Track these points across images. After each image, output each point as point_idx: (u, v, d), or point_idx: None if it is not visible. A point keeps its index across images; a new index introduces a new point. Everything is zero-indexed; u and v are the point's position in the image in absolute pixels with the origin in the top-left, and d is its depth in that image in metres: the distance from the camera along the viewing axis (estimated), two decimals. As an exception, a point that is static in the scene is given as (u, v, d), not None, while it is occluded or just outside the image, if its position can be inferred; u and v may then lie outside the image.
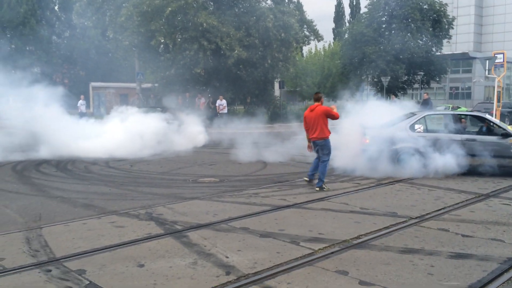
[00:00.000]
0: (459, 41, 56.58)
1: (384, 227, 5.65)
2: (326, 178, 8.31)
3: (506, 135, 9.18)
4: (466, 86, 47.14)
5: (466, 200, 7.10)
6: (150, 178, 9.29)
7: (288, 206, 6.74)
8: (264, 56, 24.75)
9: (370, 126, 9.67)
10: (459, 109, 30.13)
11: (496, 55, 18.31)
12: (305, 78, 44.74)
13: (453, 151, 9.02)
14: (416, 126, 9.54)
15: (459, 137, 9.29)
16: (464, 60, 50.10)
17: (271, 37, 23.56)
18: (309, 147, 8.45)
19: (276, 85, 32.84)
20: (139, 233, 5.35)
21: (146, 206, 6.73)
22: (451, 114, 10.23)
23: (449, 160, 8.95)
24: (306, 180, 8.52)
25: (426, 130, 9.62)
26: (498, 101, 18.73)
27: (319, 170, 8.11)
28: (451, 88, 48.66)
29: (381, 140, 9.32)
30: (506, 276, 4.11)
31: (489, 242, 5.05)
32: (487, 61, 17.85)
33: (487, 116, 9.90)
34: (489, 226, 5.70)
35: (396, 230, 5.56)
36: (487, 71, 17.89)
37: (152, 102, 24.43)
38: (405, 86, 39.43)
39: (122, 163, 11.15)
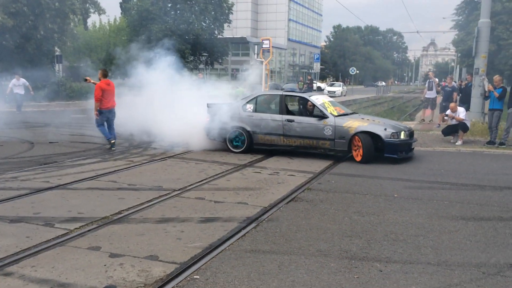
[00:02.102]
0: (239, 26, 61.21)
1: (147, 201, 5.88)
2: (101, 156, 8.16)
3: (321, 117, 9.04)
4: (245, 69, 51.62)
5: (226, 171, 7.91)
6: None
7: (50, 188, 6.38)
8: (35, 26, 22.29)
9: (212, 104, 9.98)
10: (237, 90, 32.84)
11: (263, 41, 20.48)
12: (90, 53, 42.14)
13: (275, 131, 9.24)
14: (248, 106, 9.66)
15: (279, 117, 9.29)
16: (243, 44, 54.61)
17: (43, 5, 21.35)
18: (97, 114, 9.75)
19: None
20: None
21: None
22: (280, 95, 9.69)
23: (272, 139, 9.32)
24: (111, 143, 9.80)
25: (255, 110, 9.61)
26: (266, 82, 21.15)
27: (112, 133, 9.95)
28: (232, 69, 52.58)
29: (218, 119, 9.64)
30: (242, 232, 4.78)
31: (235, 206, 5.77)
32: (256, 46, 19.88)
33: (309, 98, 9.55)
34: (239, 191, 6.50)
35: (157, 202, 5.85)
36: (256, 55, 19.92)
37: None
38: (191, 67, 40.94)
39: None
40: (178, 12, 37.27)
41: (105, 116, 9.82)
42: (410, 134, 9.12)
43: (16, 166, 7.93)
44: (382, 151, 8.68)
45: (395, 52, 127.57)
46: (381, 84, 72.85)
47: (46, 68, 26.02)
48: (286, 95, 9.78)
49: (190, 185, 6.78)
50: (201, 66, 41.68)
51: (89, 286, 3.47)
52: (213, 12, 38.59)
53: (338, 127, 8.84)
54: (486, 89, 11.78)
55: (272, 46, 26.24)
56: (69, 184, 6.69)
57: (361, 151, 8.61)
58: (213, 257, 4.10)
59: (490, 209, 5.72)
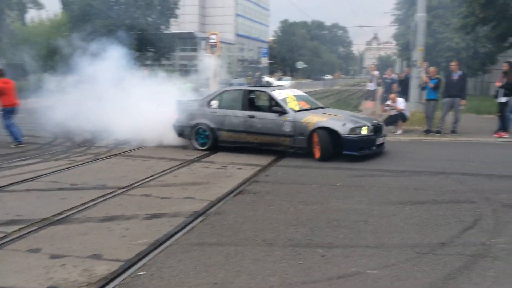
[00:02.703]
0: (187, 21, 60.47)
1: (91, 200, 5.75)
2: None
3: (281, 112, 8.61)
4: (193, 64, 51.17)
5: (174, 167, 7.85)
6: None
7: (-15, 192, 6.09)
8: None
9: (181, 100, 9.82)
10: (186, 85, 32.53)
11: (210, 36, 20.39)
12: (28, 50, 40.23)
13: (238, 128, 8.94)
14: (212, 102, 9.40)
15: (241, 113, 8.97)
16: (191, 39, 54.06)
17: (-24, 0, 20.17)
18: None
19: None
20: None
21: None
22: (244, 90, 9.59)
23: (235, 136, 9.01)
24: (20, 146, 9.74)
25: (219, 106, 9.33)
26: (214, 77, 21.08)
27: (16, 131, 9.87)
28: (180, 65, 51.97)
29: (185, 115, 9.50)
30: (189, 227, 4.79)
31: (182, 201, 5.76)
32: (203, 41, 19.76)
33: (271, 92, 9.15)
34: (186, 186, 6.48)
35: (102, 201, 5.73)
36: (203, 50, 19.80)
37: None
38: (138, 63, 40.03)
39: None
40: (122, 6, 36.30)
41: (9, 114, 9.79)
42: (376, 129, 8.51)
43: None
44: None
45: (340, 47, 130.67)
46: (327, 77, 74.56)
47: (-20, 66, 24.58)
48: (250, 90, 9.58)
49: (136, 183, 6.68)
50: (148, 62, 40.91)
51: (28, 289, 3.38)
52: (159, 7, 37.92)
53: (297, 123, 8.34)
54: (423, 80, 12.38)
55: (220, 41, 26.21)
56: (7, 186, 6.41)
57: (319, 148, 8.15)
58: (159, 252, 4.09)
59: (425, 193, 6.04)
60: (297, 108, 8.78)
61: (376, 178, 6.92)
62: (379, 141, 8.62)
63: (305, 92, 10.85)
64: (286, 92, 9.50)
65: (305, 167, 7.74)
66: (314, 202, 5.65)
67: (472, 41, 23.59)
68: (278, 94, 9.06)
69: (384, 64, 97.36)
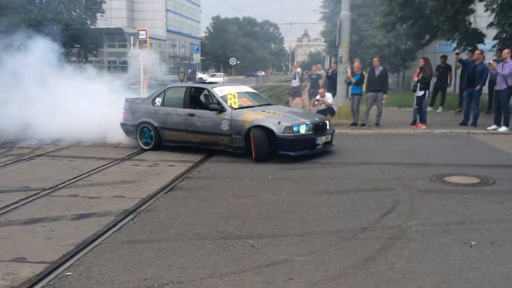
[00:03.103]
0: (114, 16, 58.44)
1: (13, 203, 5.48)
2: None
3: (220, 110, 8.24)
4: (122, 60, 49.64)
5: (103, 166, 7.65)
6: None
7: None
8: None
9: (128, 98, 9.58)
10: (113, 82, 31.55)
11: (139, 31, 19.89)
12: None
13: (179, 126, 8.66)
14: (157, 100, 9.09)
15: (182, 111, 8.67)
16: (120, 35, 52.34)
17: None
18: None
19: None
20: None
21: None
22: (186, 87, 9.22)
23: (177, 135, 8.74)
24: None
25: (163, 104, 9.01)
26: (145, 74, 20.63)
27: None
28: (109, 62, 50.19)
29: (131, 114, 9.20)
30: (119, 225, 4.72)
31: (112, 200, 5.65)
32: (132, 36, 19.27)
33: (211, 89, 8.87)
34: (116, 185, 6.35)
35: (25, 203, 5.48)
36: (132, 46, 19.32)
37: None
38: (63, 59, 38.16)
39: None
40: (43, 0, 34.37)
41: None
42: (317, 127, 8.07)
43: None
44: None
45: (272, 43, 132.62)
46: (260, 74, 75.41)
47: None
48: (192, 87, 9.19)
49: (62, 183, 6.45)
50: (74, 58, 39.10)
51: None
52: (83, 1, 36.33)
53: (234, 121, 8.01)
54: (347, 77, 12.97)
55: (150, 37, 25.62)
56: None
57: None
58: (87, 252, 4.01)
59: (350, 182, 6.38)
60: (236, 106, 8.35)
61: (304, 170, 7.18)
62: (323, 139, 8.12)
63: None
64: (229, 88, 9.00)
65: (237, 162, 7.84)
66: (245, 195, 5.78)
67: (393, 38, 24.92)
68: (218, 91, 8.71)
69: (314, 60, 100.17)
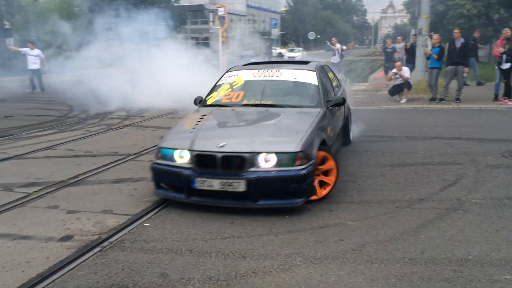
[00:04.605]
0: (197, -7, 59.98)
1: (103, 165, 6.24)
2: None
3: None
4: (204, 37, 51.15)
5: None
6: None
7: (7, 159, 6.63)
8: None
9: None
10: (198, 58, 32.79)
11: (218, 8, 20.51)
12: (42, 27, 40.64)
13: None
14: None
15: None
16: (201, 12, 53.85)
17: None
18: None
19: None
20: None
21: None
22: None
23: None
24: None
25: None
26: (224, 50, 21.28)
27: None
28: (192, 38, 51.94)
29: None
30: (191, 187, 5.22)
31: (187, 165, 6.19)
32: (211, 13, 19.92)
33: None
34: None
35: (113, 166, 6.22)
36: (212, 22, 19.99)
37: None
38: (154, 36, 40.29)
39: None
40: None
41: None
42: (207, 159, 4.34)
43: (-28, 140, 8.05)
44: None
45: (354, 16, 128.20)
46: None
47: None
48: None
49: (144, 150, 7.15)
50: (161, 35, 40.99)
51: (47, 237, 3.88)
52: (168, -21, 37.83)
53: None
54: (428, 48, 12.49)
55: (230, 13, 26.23)
56: (26, 154, 6.93)
57: None
58: (162, 208, 4.56)
59: (415, 156, 6.39)
60: (211, 102, 5.85)
61: (371, 144, 7.26)
62: (213, 184, 4.27)
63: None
64: (241, 75, 6.11)
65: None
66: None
67: (484, 7, 23.23)
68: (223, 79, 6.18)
69: (399, 33, 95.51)
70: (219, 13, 19.92)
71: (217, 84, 6.11)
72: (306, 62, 6.52)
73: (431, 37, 12.63)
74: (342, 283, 3.06)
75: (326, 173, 4.67)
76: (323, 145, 4.70)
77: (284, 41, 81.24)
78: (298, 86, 5.86)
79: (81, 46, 16.30)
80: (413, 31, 40.88)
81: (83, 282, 3.14)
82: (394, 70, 12.19)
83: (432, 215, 4.20)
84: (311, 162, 4.34)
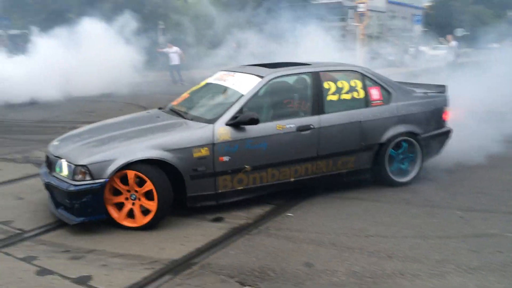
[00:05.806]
0: (336, -10, 59.54)
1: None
2: None
3: None
4: (341, 34, 50.65)
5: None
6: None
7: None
8: (140, 0, 24.13)
9: None
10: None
11: (358, 4, 20.15)
12: (192, 27, 43.91)
13: None
14: None
15: None
16: (338, 9, 53.36)
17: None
18: None
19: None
20: (17, 174, 5.61)
21: (22, 151, 6.85)
22: None
23: None
24: None
25: None
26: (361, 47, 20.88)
27: None
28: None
29: None
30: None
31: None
32: (350, 10, 19.67)
33: None
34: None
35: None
36: (349, 19, 19.75)
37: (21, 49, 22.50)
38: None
39: None
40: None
41: None
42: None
43: None
44: None
45: (508, 11, 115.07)
46: (494, 46, 66.61)
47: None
48: None
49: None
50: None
51: (201, 217, 4.23)
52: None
53: None
54: None
55: (369, 10, 25.54)
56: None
57: None
58: (304, 200, 4.66)
59: None
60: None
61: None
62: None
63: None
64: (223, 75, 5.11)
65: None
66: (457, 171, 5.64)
67: None
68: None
69: None
70: (359, 9, 19.54)
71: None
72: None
73: None
74: (501, 298, 2.82)
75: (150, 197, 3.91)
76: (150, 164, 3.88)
77: (428, 38, 76.37)
78: (220, 94, 4.86)
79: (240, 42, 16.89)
80: None
81: (235, 260, 3.38)
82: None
83: None
84: (97, 180, 3.76)
